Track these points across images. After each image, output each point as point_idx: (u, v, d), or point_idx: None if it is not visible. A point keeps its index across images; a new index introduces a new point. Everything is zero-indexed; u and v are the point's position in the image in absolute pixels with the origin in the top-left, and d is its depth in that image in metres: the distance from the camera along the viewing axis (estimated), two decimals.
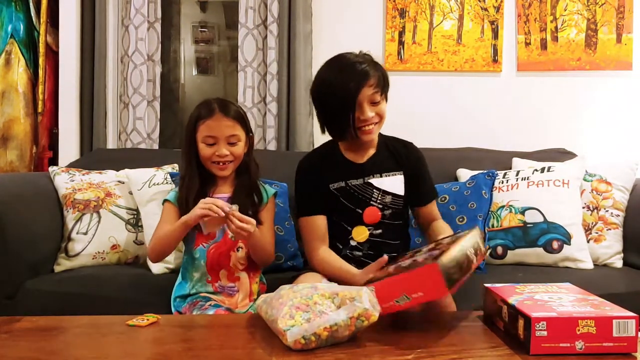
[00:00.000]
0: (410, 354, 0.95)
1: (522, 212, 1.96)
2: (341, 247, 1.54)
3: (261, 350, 0.99)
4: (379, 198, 1.53)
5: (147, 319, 1.14)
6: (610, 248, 1.96)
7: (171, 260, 1.83)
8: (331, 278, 1.42)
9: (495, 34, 2.55)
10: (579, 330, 0.94)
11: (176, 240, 1.51)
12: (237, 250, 1.56)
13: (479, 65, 2.56)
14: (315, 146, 2.02)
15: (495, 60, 2.55)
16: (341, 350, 0.97)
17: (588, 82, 2.55)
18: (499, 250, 1.95)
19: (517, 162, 2.18)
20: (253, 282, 1.58)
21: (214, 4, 3.26)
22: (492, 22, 2.55)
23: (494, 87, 2.57)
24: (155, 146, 2.61)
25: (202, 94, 3.32)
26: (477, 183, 1.98)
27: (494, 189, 2.01)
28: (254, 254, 1.54)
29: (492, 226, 1.97)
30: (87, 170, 2.07)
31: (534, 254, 1.92)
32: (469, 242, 1.15)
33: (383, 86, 1.50)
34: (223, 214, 1.39)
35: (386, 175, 1.55)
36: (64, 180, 1.99)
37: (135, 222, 1.97)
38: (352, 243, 1.54)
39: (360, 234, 1.53)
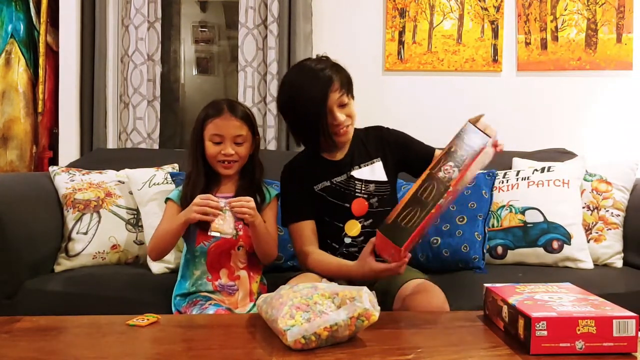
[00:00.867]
0: (410, 354, 0.95)
1: (522, 212, 1.96)
2: (337, 246, 1.56)
3: (261, 350, 0.99)
4: (363, 188, 1.56)
5: (147, 319, 1.14)
6: (611, 248, 1.96)
7: (171, 260, 1.84)
8: (329, 277, 1.42)
9: (496, 33, 2.55)
10: (579, 330, 0.94)
11: (176, 237, 1.52)
12: (238, 249, 1.57)
13: (479, 65, 2.56)
14: None
15: (495, 60, 2.55)
16: (341, 350, 0.97)
17: (588, 82, 2.54)
18: (499, 250, 1.95)
19: (517, 162, 2.18)
20: (253, 282, 1.59)
21: (214, 4, 3.26)
22: (492, 22, 2.55)
23: (494, 87, 2.57)
24: (156, 146, 2.61)
25: (202, 94, 3.32)
26: (477, 183, 1.98)
27: (494, 188, 2.01)
28: (257, 247, 1.54)
29: (492, 226, 1.97)
30: (87, 170, 2.07)
31: (534, 254, 1.92)
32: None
33: (348, 87, 1.52)
34: (220, 213, 1.41)
35: (365, 165, 1.59)
36: (64, 180, 1.99)
37: (135, 222, 1.97)
38: (347, 240, 1.55)
39: (352, 228, 1.55)
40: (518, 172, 2.08)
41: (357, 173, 1.58)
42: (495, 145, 1.34)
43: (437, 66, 2.57)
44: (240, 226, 1.53)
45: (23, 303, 1.68)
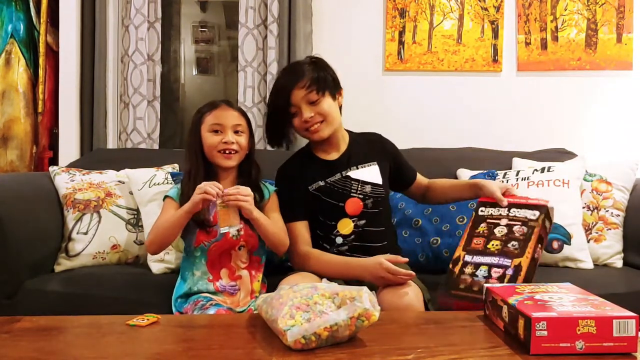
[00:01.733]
0: (410, 354, 0.95)
1: None
2: (328, 247, 1.57)
3: (261, 350, 0.99)
4: (359, 189, 1.58)
5: (147, 319, 1.14)
6: (611, 248, 1.96)
7: (171, 260, 1.84)
8: (329, 275, 1.42)
9: (496, 33, 2.55)
10: (579, 330, 0.94)
11: (177, 229, 1.49)
12: (239, 249, 1.57)
13: (479, 65, 2.56)
14: None
15: (495, 60, 2.55)
16: (341, 350, 0.97)
17: (588, 82, 2.55)
18: None
19: (517, 162, 2.18)
20: (255, 281, 1.58)
21: (214, 4, 3.26)
22: (492, 22, 2.55)
23: (494, 87, 2.57)
24: (156, 146, 2.61)
25: (202, 94, 3.32)
26: None
27: None
28: (266, 239, 1.53)
29: None
30: (87, 170, 2.07)
31: None
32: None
33: (324, 85, 1.54)
34: (220, 192, 1.41)
35: (362, 167, 1.62)
36: (64, 180, 1.99)
37: (135, 222, 1.97)
38: (338, 240, 1.56)
39: (345, 226, 1.57)
40: (518, 172, 2.07)
41: (354, 174, 1.60)
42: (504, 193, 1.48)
43: (437, 66, 2.57)
44: (242, 226, 1.53)
45: (23, 303, 1.68)
